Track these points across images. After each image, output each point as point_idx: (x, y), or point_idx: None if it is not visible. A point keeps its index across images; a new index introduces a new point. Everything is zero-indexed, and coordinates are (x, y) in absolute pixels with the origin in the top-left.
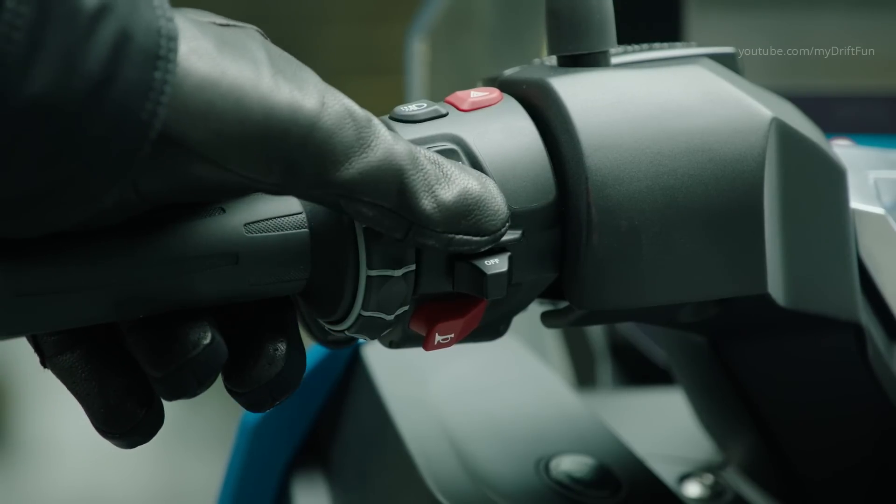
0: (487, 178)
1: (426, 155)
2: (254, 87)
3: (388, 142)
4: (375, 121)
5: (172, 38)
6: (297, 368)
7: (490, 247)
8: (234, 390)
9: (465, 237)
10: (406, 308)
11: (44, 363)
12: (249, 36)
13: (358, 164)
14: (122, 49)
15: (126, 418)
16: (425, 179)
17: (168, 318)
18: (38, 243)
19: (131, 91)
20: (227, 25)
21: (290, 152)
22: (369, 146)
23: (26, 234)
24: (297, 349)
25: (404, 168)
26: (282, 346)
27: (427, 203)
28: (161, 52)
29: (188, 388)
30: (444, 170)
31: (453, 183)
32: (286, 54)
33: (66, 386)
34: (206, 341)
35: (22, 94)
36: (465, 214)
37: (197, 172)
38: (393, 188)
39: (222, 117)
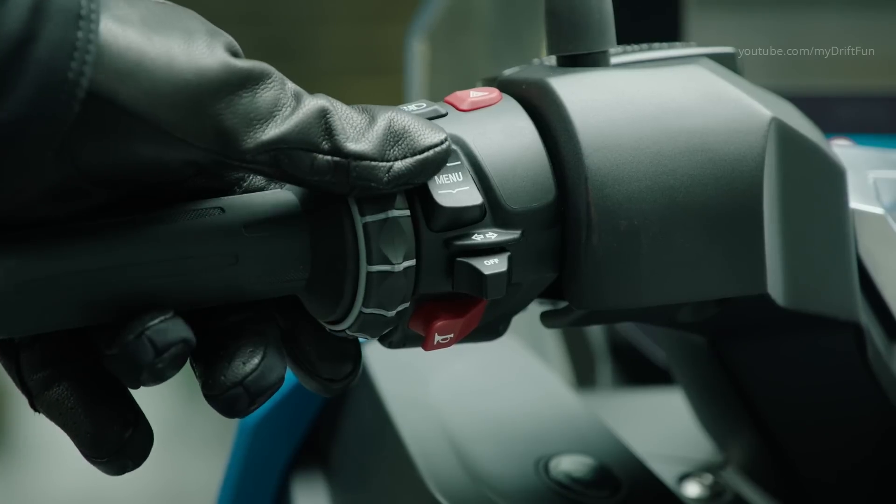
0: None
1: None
2: (185, 50)
3: (307, 94)
4: (292, 83)
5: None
6: (275, 370)
7: (435, 168)
8: (209, 394)
9: (403, 161)
10: (406, 305)
11: (33, 406)
12: (185, 11)
13: (290, 117)
14: (41, 9)
15: (113, 439)
16: (346, 115)
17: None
18: (40, 242)
19: (55, 51)
20: (165, 2)
21: (222, 111)
22: (293, 99)
23: None
24: (276, 353)
25: (326, 108)
26: (259, 350)
27: (353, 137)
28: (82, 11)
29: (143, 359)
30: (357, 107)
31: (368, 111)
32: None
33: (54, 420)
34: (161, 318)
35: None
36: (395, 138)
37: (134, 140)
38: (322, 131)
39: (152, 76)
